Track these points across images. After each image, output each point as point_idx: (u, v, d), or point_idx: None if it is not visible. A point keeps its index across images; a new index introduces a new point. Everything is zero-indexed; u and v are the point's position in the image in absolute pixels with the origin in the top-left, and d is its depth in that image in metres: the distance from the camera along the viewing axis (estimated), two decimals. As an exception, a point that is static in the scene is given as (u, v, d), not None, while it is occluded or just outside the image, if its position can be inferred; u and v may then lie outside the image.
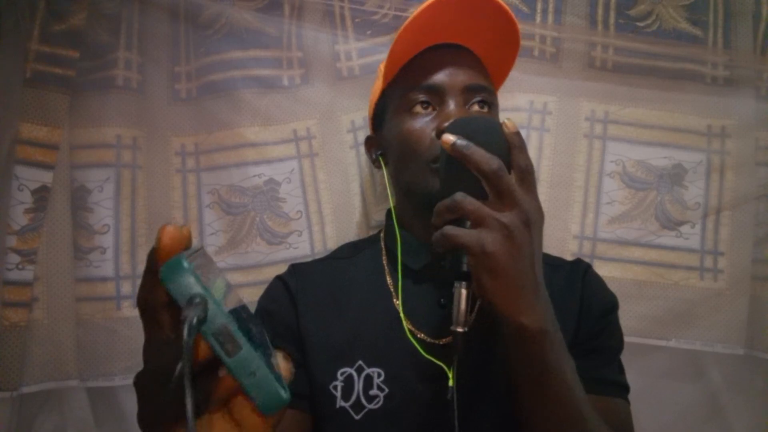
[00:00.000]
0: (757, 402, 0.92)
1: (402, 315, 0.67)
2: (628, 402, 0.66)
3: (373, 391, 0.63)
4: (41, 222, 0.82)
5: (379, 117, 0.75)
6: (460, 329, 0.50)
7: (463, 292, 0.50)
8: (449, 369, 0.56)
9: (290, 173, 0.92)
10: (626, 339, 0.70)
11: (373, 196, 0.93)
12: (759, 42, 0.93)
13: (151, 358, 0.33)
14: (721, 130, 0.93)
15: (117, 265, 0.86)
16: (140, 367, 0.34)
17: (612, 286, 0.72)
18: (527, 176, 0.48)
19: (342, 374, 0.64)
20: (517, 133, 0.49)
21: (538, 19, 0.92)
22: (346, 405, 0.63)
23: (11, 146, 0.81)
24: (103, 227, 0.86)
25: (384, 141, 0.74)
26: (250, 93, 0.90)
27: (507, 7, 0.68)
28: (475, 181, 0.47)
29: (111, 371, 0.84)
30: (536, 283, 0.48)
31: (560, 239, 0.91)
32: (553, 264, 0.73)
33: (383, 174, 0.78)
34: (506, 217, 0.46)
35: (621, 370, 0.69)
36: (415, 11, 0.66)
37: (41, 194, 0.82)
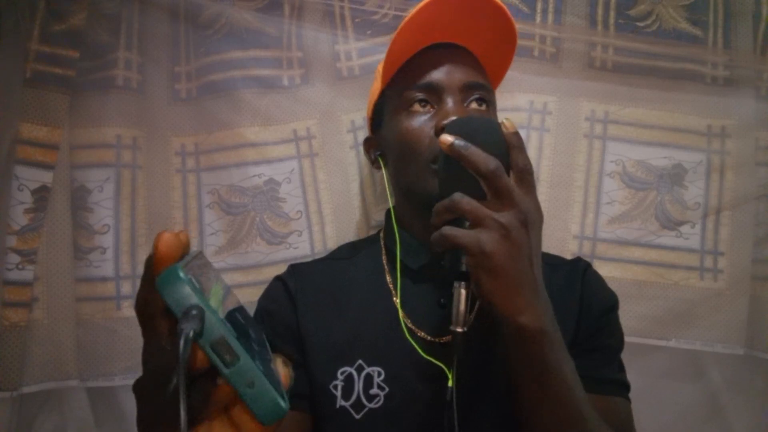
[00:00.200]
0: (757, 402, 0.92)
1: (402, 314, 0.67)
2: (628, 400, 0.66)
3: (374, 390, 0.63)
4: (41, 222, 0.83)
5: (377, 117, 0.75)
6: (459, 329, 0.51)
7: (463, 292, 0.50)
8: (449, 370, 0.56)
9: (290, 173, 0.92)
10: (626, 339, 0.70)
11: (372, 196, 0.93)
12: (759, 42, 0.93)
13: (149, 361, 0.33)
14: (721, 130, 0.93)
15: (117, 265, 0.86)
16: (140, 366, 0.34)
17: (612, 286, 0.72)
18: (526, 176, 0.48)
19: (342, 374, 0.64)
20: (516, 133, 0.49)
21: (538, 19, 0.92)
22: (347, 404, 0.63)
23: (11, 146, 0.81)
24: (103, 227, 0.86)
25: (383, 141, 0.74)
26: (250, 93, 0.90)
27: (504, 7, 0.68)
28: (474, 182, 0.47)
29: (111, 371, 0.83)
30: (535, 282, 0.48)
31: (560, 239, 0.91)
32: (553, 263, 0.73)
33: (383, 174, 0.78)
34: (504, 217, 0.46)
35: (621, 368, 0.69)
36: (411, 11, 0.66)
37: (41, 194, 0.82)
